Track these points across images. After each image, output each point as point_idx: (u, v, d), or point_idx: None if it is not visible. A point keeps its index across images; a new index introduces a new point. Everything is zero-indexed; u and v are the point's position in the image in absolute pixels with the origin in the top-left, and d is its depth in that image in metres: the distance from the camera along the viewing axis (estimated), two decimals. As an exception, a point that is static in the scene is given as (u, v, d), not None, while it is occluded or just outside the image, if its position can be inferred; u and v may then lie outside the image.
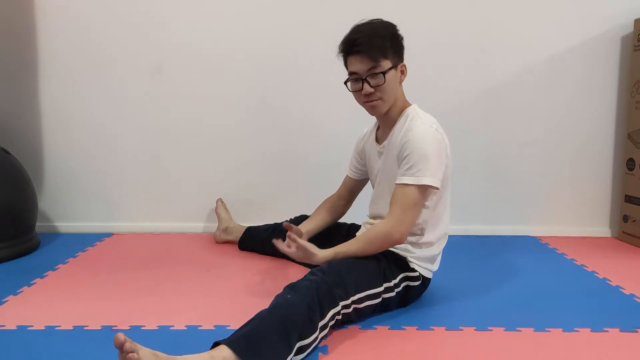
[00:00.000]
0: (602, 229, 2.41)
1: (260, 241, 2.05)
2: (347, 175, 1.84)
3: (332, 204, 1.83)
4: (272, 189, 2.39)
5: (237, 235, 2.14)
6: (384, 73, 1.45)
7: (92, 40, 2.29)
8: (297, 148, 2.37)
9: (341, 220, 1.90)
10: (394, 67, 1.47)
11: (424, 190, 1.44)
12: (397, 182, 1.45)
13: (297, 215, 2.04)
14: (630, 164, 2.28)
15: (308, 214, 2.02)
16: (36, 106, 2.33)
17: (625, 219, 2.31)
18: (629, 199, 2.29)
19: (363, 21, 1.50)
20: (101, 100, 2.33)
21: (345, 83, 1.53)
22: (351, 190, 1.83)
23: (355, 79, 1.49)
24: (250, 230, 2.12)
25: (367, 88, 1.47)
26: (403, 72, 1.52)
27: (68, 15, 2.28)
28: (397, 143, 1.49)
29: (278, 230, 2.01)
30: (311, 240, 1.79)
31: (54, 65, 2.31)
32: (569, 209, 2.39)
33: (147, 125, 2.35)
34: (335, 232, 1.82)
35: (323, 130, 2.34)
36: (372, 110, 1.52)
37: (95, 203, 2.39)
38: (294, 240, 1.46)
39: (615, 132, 2.35)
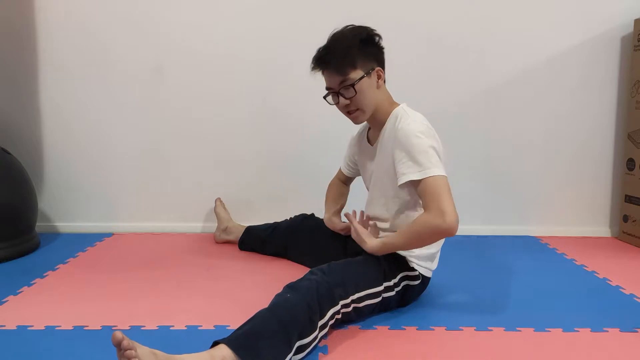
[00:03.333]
0: (602, 229, 2.41)
1: (260, 241, 2.05)
2: (340, 169, 1.87)
3: (340, 188, 1.89)
4: (271, 188, 2.39)
5: (236, 235, 2.14)
6: (353, 85, 1.45)
7: (92, 41, 2.29)
8: (297, 148, 2.37)
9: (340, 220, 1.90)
10: (367, 74, 1.46)
11: (438, 180, 1.37)
12: (404, 180, 1.39)
13: (297, 214, 2.05)
14: (630, 164, 2.28)
15: (308, 214, 2.02)
16: (36, 106, 2.33)
17: (625, 219, 2.31)
18: (629, 199, 2.29)
19: (335, 31, 1.50)
20: (101, 100, 2.33)
21: (325, 98, 1.54)
22: (346, 181, 1.89)
23: (332, 93, 1.50)
24: (250, 230, 2.12)
25: (342, 101, 1.48)
26: (380, 77, 1.50)
27: (68, 15, 2.27)
28: (389, 143, 1.48)
29: (278, 230, 2.02)
30: (314, 239, 1.83)
31: (54, 66, 2.31)
32: (569, 209, 2.40)
33: (147, 125, 2.35)
34: (335, 232, 1.82)
35: (323, 129, 2.33)
36: (354, 120, 1.53)
37: (95, 203, 2.39)
38: (351, 222, 1.51)
39: (615, 132, 2.35)
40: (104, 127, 2.35)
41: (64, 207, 2.39)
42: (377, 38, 1.50)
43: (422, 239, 1.40)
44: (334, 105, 1.53)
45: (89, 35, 2.29)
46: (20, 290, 1.65)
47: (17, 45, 2.29)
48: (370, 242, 1.47)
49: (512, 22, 2.28)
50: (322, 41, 1.51)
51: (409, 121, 1.44)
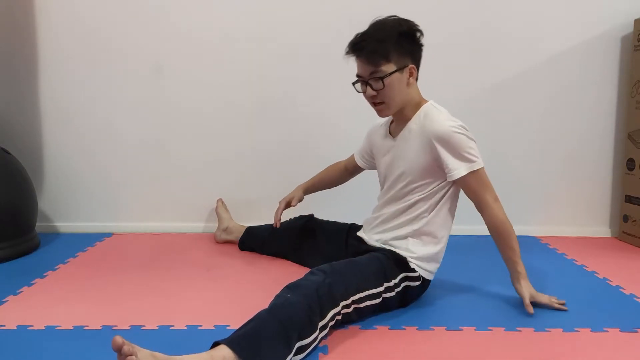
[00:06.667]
0: (602, 229, 2.41)
1: (260, 241, 2.05)
2: (354, 157, 1.85)
3: (337, 174, 1.93)
4: (272, 189, 2.38)
5: (237, 235, 2.14)
6: (383, 78, 1.44)
7: (91, 40, 2.29)
8: (299, 147, 2.37)
9: (340, 220, 1.89)
10: (399, 69, 1.46)
11: (483, 171, 1.49)
12: (459, 175, 1.45)
13: (297, 216, 2.04)
14: (630, 164, 2.28)
15: (307, 215, 2.01)
16: (36, 106, 2.33)
17: (625, 219, 2.31)
18: (629, 199, 2.29)
19: (377, 19, 1.50)
20: (101, 100, 2.33)
21: (354, 84, 1.53)
22: (352, 171, 1.90)
23: (361, 82, 1.50)
24: (250, 230, 2.12)
25: (369, 91, 1.48)
26: (412, 74, 1.50)
27: (68, 12, 2.27)
28: (417, 139, 1.49)
29: (278, 230, 2.01)
30: (314, 239, 1.84)
31: (54, 64, 2.30)
32: (569, 209, 2.39)
33: (147, 125, 2.35)
34: (335, 233, 1.82)
35: (326, 129, 2.33)
36: (379, 113, 1.53)
37: (95, 203, 2.39)
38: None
39: (615, 132, 2.35)
40: (104, 126, 2.35)
41: (64, 207, 2.39)
42: (418, 34, 1.50)
43: (511, 231, 1.52)
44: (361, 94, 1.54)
45: (89, 34, 2.29)
46: (20, 290, 1.65)
47: (17, 44, 2.29)
48: (527, 289, 1.53)
49: (512, 21, 2.28)
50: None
51: (443, 118, 1.47)
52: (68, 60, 2.30)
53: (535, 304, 1.51)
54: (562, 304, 1.53)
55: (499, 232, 1.51)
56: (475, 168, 1.46)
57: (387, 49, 1.44)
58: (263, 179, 2.38)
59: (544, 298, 1.52)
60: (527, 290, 1.51)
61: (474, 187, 1.49)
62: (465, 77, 2.32)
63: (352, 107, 2.27)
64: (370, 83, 1.47)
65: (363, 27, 1.46)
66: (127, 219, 2.39)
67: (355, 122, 2.28)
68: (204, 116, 2.35)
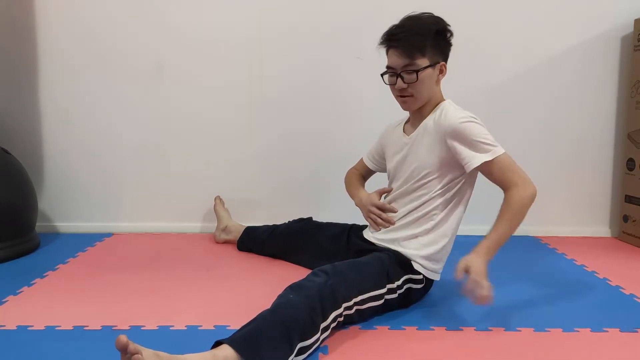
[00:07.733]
0: (602, 229, 2.41)
1: (260, 242, 2.04)
2: (363, 161, 1.82)
3: (360, 179, 1.82)
4: (272, 189, 2.39)
5: (236, 234, 2.13)
6: (417, 71, 1.45)
7: (91, 40, 2.29)
8: (299, 148, 2.37)
9: (341, 221, 1.89)
10: (432, 65, 1.47)
11: (505, 157, 1.46)
12: (474, 165, 1.43)
13: (295, 219, 2.04)
14: (630, 164, 2.28)
15: (305, 218, 2.01)
16: (36, 106, 2.33)
17: (625, 219, 2.31)
18: (629, 199, 2.29)
19: (412, 14, 1.50)
20: (101, 100, 2.33)
21: (382, 75, 1.53)
22: (366, 176, 1.84)
23: (391, 73, 1.50)
24: (249, 231, 2.11)
25: (400, 83, 1.48)
26: (442, 72, 1.51)
27: (68, 13, 2.27)
28: (431, 136, 1.48)
29: (277, 232, 2.01)
30: (314, 240, 1.83)
31: (55, 65, 2.30)
32: (568, 209, 2.39)
33: (147, 125, 2.35)
34: (336, 233, 1.82)
35: (326, 130, 2.33)
36: (403, 105, 1.54)
37: (95, 203, 2.39)
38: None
39: (615, 132, 2.35)
40: (104, 126, 2.34)
41: (64, 207, 2.39)
42: (449, 34, 1.51)
43: (523, 214, 1.46)
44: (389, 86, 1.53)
45: (89, 35, 2.29)
46: (20, 290, 1.65)
47: (17, 44, 2.29)
48: (481, 265, 1.39)
49: (512, 21, 2.28)
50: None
51: (456, 111, 1.48)
52: (68, 61, 2.30)
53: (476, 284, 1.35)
54: (488, 299, 1.34)
55: (508, 204, 1.45)
56: (492, 157, 1.42)
57: (424, 43, 1.45)
58: (262, 179, 2.38)
59: (483, 283, 1.35)
60: (470, 262, 1.38)
61: (497, 175, 1.45)
62: (464, 78, 2.31)
63: (352, 108, 2.28)
64: (403, 75, 1.47)
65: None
66: (127, 219, 2.39)
67: (355, 122, 2.29)
68: (204, 116, 2.35)
